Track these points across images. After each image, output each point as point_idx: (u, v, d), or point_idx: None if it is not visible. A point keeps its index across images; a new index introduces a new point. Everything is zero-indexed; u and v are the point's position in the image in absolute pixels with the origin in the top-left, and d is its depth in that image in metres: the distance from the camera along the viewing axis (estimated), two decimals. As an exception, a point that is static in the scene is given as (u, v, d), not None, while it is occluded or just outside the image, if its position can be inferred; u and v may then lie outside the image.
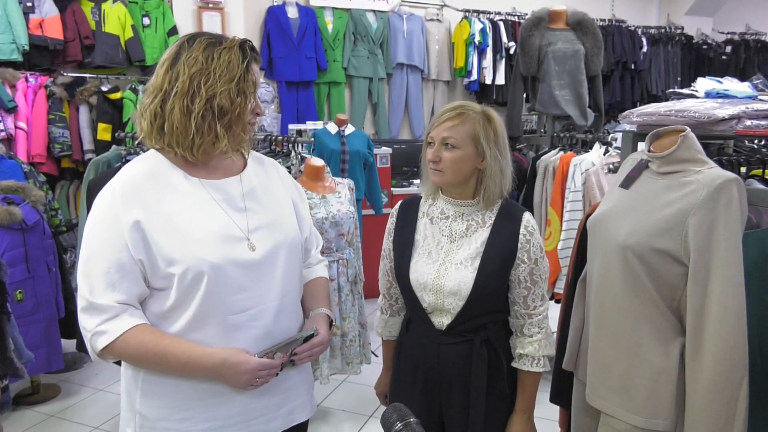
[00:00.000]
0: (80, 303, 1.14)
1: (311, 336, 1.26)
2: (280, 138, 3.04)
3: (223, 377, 1.16)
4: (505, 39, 5.67)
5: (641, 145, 1.73)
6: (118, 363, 1.27)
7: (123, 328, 1.12)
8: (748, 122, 1.62)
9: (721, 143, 2.10)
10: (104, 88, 4.19)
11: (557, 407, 1.82)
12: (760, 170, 1.91)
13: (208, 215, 1.19)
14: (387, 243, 1.57)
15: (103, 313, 1.12)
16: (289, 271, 1.29)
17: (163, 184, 1.18)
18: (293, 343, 1.23)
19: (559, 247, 2.95)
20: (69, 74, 4.23)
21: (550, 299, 2.98)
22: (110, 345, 1.12)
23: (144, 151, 2.71)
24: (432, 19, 5.71)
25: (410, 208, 1.54)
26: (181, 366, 1.15)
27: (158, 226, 1.14)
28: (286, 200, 1.36)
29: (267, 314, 1.22)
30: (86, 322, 1.13)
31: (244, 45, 1.19)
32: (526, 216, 1.44)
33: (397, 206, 1.58)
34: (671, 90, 2.20)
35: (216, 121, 1.15)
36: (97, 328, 1.12)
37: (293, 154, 2.91)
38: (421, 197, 1.55)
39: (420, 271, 1.45)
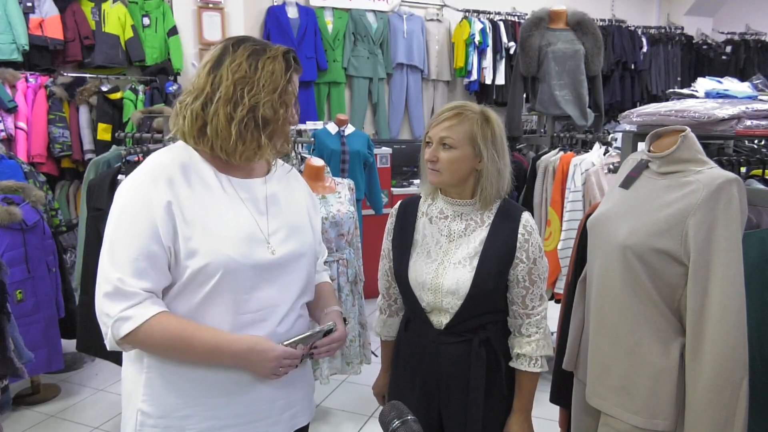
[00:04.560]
0: (104, 287, 1.10)
1: (330, 331, 1.28)
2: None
3: (249, 363, 1.17)
4: (505, 39, 5.67)
5: (641, 145, 1.73)
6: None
7: (148, 313, 1.10)
8: (748, 122, 1.62)
9: (721, 143, 2.10)
10: (104, 88, 4.19)
11: (557, 407, 1.82)
12: (760, 170, 1.91)
13: (234, 213, 1.20)
14: (386, 243, 1.57)
15: (129, 299, 1.10)
16: (304, 277, 1.30)
17: (193, 175, 1.19)
18: (313, 336, 1.25)
19: (559, 247, 2.95)
20: (69, 74, 4.24)
21: (550, 299, 2.98)
22: (134, 331, 1.10)
23: (144, 152, 2.72)
24: (432, 19, 5.71)
25: (409, 208, 1.54)
26: (208, 351, 1.14)
27: (187, 215, 1.14)
28: (303, 209, 1.37)
29: (275, 316, 1.23)
30: (109, 308, 1.10)
31: (287, 55, 1.20)
32: (525, 216, 1.44)
33: (396, 206, 1.59)
34: (671, 90, 2.20)
35: (259, 131, 1.17)
36: (122, 313, 1.09)
37: (293, 154, 2.90)
38: (420, 197, 1.55)
39: (419, 270, 1.45)
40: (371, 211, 4.11)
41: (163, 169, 1.16)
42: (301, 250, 1.29)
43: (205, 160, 1.21)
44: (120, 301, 1.10)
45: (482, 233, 1.43)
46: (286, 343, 1.20)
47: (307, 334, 1.24)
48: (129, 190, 1.15)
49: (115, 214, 1.15)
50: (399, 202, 1.59)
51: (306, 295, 1.34)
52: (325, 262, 1.58)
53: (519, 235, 1.41)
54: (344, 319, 1.38)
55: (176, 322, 1.13)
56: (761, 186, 1.79)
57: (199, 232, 1.14)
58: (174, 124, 1.21)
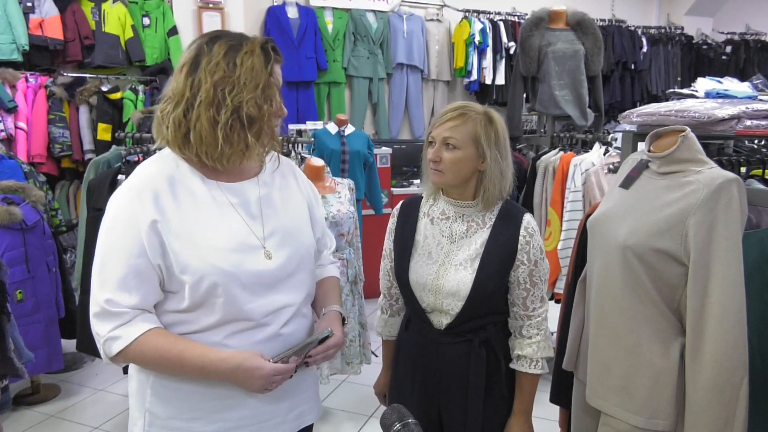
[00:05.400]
0: (93, 308, 1.11)
1: (327, 338, 1.24)
2: (280, 138, 3.03)
3: (237, 381, 1.16)
4: (505, 39, 5.67)
5: (641, 145, 1.73)
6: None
7: (136, 333, 1.10)
8: (748, 122, 1.62)
9: (721, 143, 2.10)
10: (104, 88, 4.19)
11: (557, 407, 1.82)
12: (760, 170, 1.91)
13: (224, 222, 1.18)
14: (388, 243, 1.57)
15: (116, 318, 1.10)
16: (305, 278, 1.29)
17: (180, 188, 1.16)
18: (308, 346, 1.22)
19: (559, 247, 2.95)
20: (69, 74, 4.23)
21: (550, 299, 2.98)
22: (124, 350, 1.10)
23: (144, 152, 2.73)
24: (432, 19, 5.71)
25: (411, 209, 1.54)
26: (196, 370, 1.14)
27: (174, 230, 1.12)
28: (302, 204, 1.34)
29: (280, 320, 1.22)
30: (99, 328, 1.11)
31: (266, 46, 1.15)
32: (527, 217, 1.44)
33: (398, 206, 1.58)
34: (671, 90, 2.20)
35: (246, 131, 1.13)
36: (110, 333, 1.10)
37: (293, 154, 2.91)
38: (422, 197, 1.54)
39: (419, 271, 1.45)
40: (371, 211, 4.11)
41: (149, 184, 1.14)
42: (299, 252, 1.26)
43: (193, 168, 1.18)
44: (108, 322, 1.10)
45: (483, 235, 1.43)
46: (276, 358, 1.17)
47: (301, 345, 1.21)
48: (115, 208, 1.14)
49: (102, 233, 1.14)
50: (401, 202, 1.59)
51: (308, 296, 1.32)
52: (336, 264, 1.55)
53: (520, 237, 1.41)
54: (343, 319, 1.35)
55: (164, 340, 1.12)
56: (761, 186, 1.78)
57: (189, 246, 1.12)
58: (158, 133, 1.18)
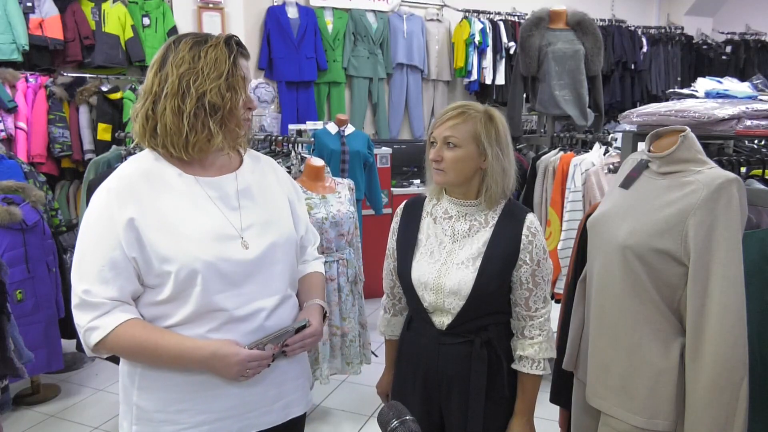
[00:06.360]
0: (73, 300, 1.16)
1: (303, 327, 1.27)
2: (280, 138, 3.04)
3: (213, 369, 1.18)
4: (505, 39, 5.67)
5: (641, 145, 1.73)
6: (116, 362, 1.28)
7: (115, 323, 1.14)
8: (748, 122, 1.62)
9: (721, 143, 2.10)
10: (104, 88, 4.19)
11: (557, 407, 1.82)
12: (760, 170, 1.91)
13: (202, 213, 1.21)
14: (391, 242, 1.57)
15: (95, 309, 1.14)
16: (285, 269, 1.30)
17: (158, 183, 1.20)
18: (285, 335, 1.24)
19: (559, 247, 2.95)
20: (69, 74, 4.24)
21: (551, 299, 2.98)
22: (103, 340, 1.14)
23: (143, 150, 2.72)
24: (432, 19, 5.71)
25: (414, 208, 1.54)
26: (172, 358, 1.17)
27: (152, 224, 1.15)
28: (282, 198, 1.37)
29: (263, 312, 1.24)
30: (79, 319, 1.15)
31: (229, 41, 1.21)
32: (530, 217, 1.44)
33: (401, 206, 1.59)
34: (671, 90, 2.20)
35: (209, 119, 1.17)
36: (90, 324, 1.14)
37: (293, 154, 2.91)
38: (425, 197, 1.55)
39: (422, 270, 1.45)
40: (371, 211, 4.11)
41: (126, 183, 1.18)
42: (278, 241, 1.28)
43: (170, 164, 1.22)
44: (87, 312, 1.14)
45: (486, 234, 1.43)
46: (252, 345, 1.19)
47: (277, 333, 1.23)
48: (94, 207, 1.18)
49: (82, 228, 1.18)
50: (404, 202, 1.59)
51: (292, 287, 1.34)
52: (325, 262, 1.56)
53: (523, 237, 1.41)
54: (324, 314, 1.38)
55: (142, 330, 1.16)
56: (761, 186, 1.78)
57: (168, 237, 1.15)
58: (133, 133, 1.23)
